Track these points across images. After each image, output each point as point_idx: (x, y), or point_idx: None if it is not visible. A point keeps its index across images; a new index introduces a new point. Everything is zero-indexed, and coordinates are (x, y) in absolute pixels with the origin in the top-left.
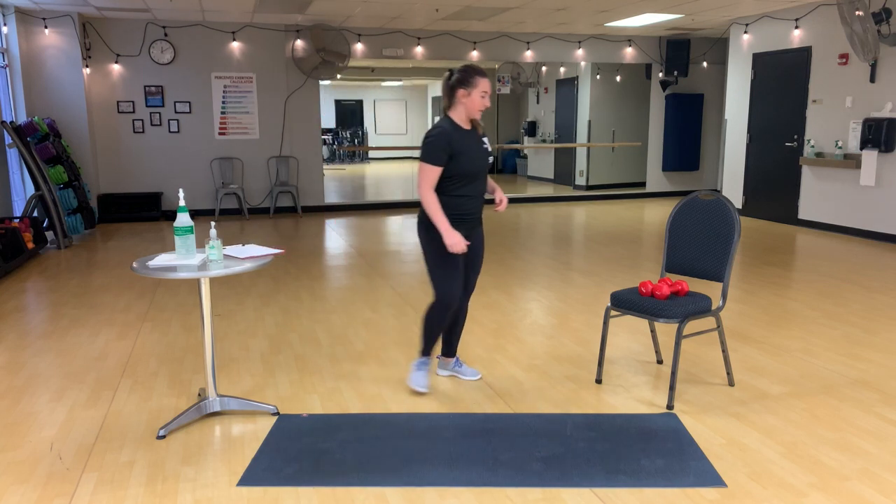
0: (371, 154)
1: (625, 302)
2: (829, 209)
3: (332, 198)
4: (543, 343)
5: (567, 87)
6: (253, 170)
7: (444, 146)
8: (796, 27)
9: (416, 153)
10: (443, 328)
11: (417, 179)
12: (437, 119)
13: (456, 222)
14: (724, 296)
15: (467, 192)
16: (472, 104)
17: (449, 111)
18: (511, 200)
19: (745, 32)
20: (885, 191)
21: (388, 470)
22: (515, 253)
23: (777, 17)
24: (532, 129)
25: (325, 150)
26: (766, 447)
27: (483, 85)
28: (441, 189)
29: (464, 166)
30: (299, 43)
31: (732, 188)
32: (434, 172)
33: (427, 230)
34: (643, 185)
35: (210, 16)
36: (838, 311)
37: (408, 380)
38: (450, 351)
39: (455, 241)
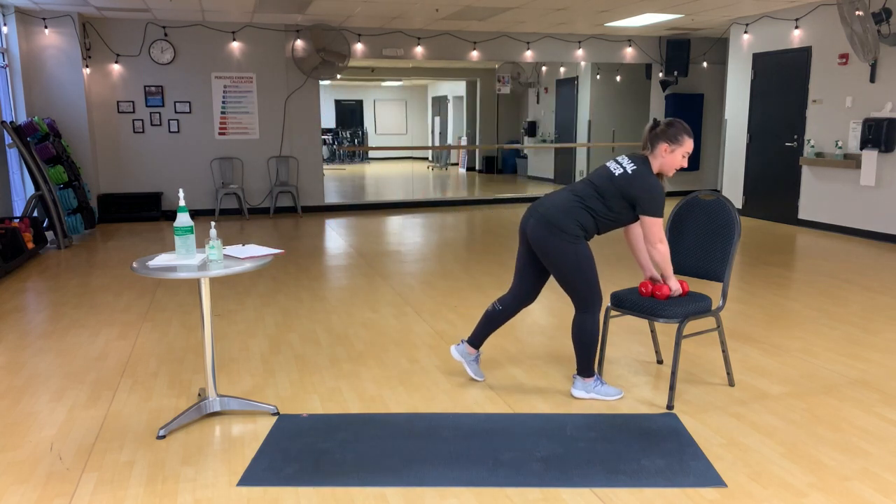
0: (371, 154)
1: (625, 302)
2: (829, 209)
3: (332, 198)
4: (543, 343)
5: (567, 87)
6: (253, 170)
7: (664, 200)
8: (796, 27)
9: (416, 153)
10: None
11: (649, 236)
12: (633, 164)
13: (583, 238)
14: (724, 296)
15: (606, 231)
16: (673, 162)
17: (648, 155)
18: (511, 200)
19: (745, 32)
20: (885, 191)
21: (388, 470)
22: (516, 253)
23: (777, 17)
24: (532, 129)
25: (325, 150)
26: (766, 447)
27: (688, 146)
28: (597, 213)
29: (632, 216)
30: (299, 43)
31: (732, 188)
32: (661, 224)
33: (572, 242)
34: None
35: (210, 16)
36: (838, 311)
37: (595, 396)
38: (478, 343)
39: (678, 287)
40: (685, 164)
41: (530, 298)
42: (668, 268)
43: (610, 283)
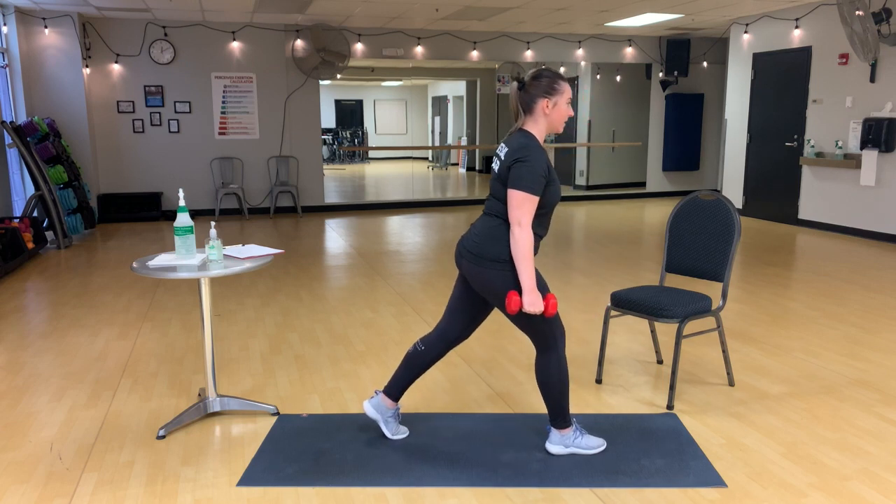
0: (371, 154)
1: (625, 302)
2: (829, 209)
3: (332, 198)
4: None
5: None
6: (253, 170)
7: (544, 170)
8: (796, 27)
9: (416, 153)
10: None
11: (512, 214)
12: (518, 137)
13: None
14: (724, 296)
15: (541, 232)
16: (559, 116)
17: (526, 126)
18: None
19: (746, 32)
20: (885, 191)
21: (388, 470)
22: None
23: (777, 16)
24: None
25: (325, 150)
26: (766, 447)
27: (568, 91)
28: None
29: (553, 196)
30: (299, 43)
31: (732, 188)
32: (535, 204)
33: (512, 270)
34: (643, 185)
35: (210, 16)
36: (838, 311)
37: (575, 450)
38: (397, 393)
39: (536, 305)
40: (571, 112)
41: (462, 337)
42: (527, 270)
43: (609, 284)
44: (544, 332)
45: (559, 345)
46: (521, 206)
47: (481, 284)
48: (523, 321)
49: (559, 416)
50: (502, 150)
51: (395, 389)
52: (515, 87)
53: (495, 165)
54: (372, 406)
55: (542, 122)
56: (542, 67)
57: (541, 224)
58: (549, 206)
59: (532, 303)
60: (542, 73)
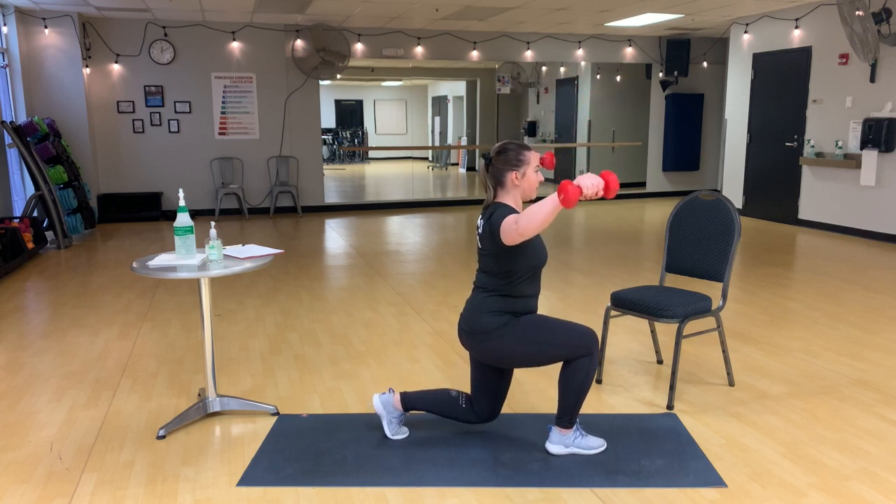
0: (371, 154)
1: (625, 302)
2: (829, 209)
3: (332, 198)
4: None
5: (567, 87)
6: (253, 170)
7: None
8: (796, 27)
9: (416, 153)
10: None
11: (509, 231)
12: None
13: (513, 317)
14: (724, 296)
15: (532, 291)
16: (530, 184)
17: (499, 198)
18: None
19: (746, 32)
20: (885, 191)
21: (388, 470)
22: None
23: (777, 17)
24: (532, 129)
25: (325, 150)
26: (766, 447)
27: (534, 159)
28: (502, 289)
29: (531, 259)
30: (299, 43)
31: (732, 188)
32: (517, 216)
33: (508, 332)
34: (643, 185)
35: (210, 16)
36: (838, 311)
37: (575, 451)
38: (412, 407)
39: (592, 181)
40: (542, 178)
41: (492, 416)
42: (547, 205)
43: (609, 284)
44: (568, 351)
45: (591, 348)
46: (507, 222)
47: (485, 356)
48: (547, 359)
49: (567, 416)
50: (480, 224)
51: (412, 405)
52: (483, 164)
53: (478, 240)
54: (381, 401)
55: (515, 193)
56: (505, 141)
57: (532, 284)
58: (529, 268)
59: (585, 184)
60: (506, 147)
